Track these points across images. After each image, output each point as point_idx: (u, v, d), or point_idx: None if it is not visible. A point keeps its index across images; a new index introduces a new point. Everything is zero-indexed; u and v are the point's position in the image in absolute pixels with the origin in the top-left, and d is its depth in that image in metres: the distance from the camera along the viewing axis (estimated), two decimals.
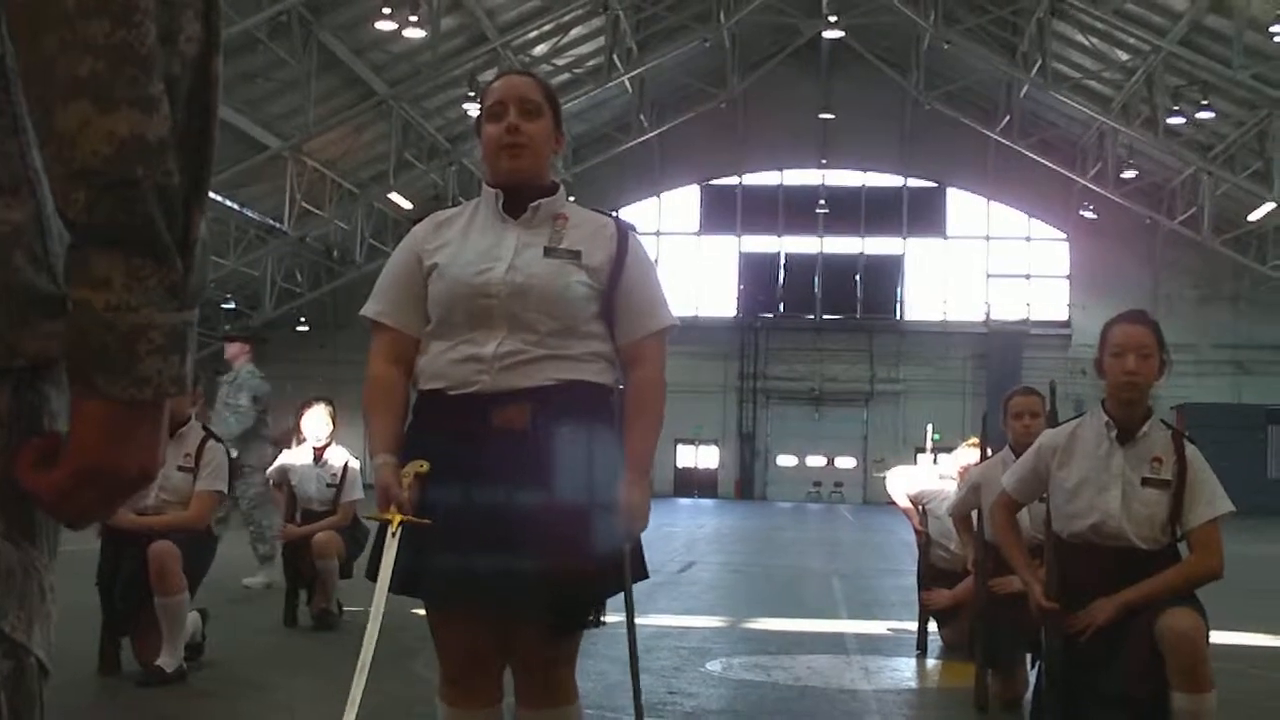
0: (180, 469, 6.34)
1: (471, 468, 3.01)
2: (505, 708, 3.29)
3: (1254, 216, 35.14)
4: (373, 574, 3.07)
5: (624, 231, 3.23)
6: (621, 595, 3.15)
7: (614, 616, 3.22)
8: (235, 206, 33.68)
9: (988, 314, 45.31)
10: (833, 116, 42.38)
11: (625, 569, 3.08)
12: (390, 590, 3.04)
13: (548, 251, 3.11)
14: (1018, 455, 5.68)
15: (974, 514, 6.35)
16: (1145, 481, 4.30)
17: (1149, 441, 4.36)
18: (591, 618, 3.09)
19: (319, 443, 8.49)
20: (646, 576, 3.20)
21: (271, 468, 8.73)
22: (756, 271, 46.49)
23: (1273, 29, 27.48)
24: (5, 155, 1.11)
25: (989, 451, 6.69)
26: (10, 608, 1.09)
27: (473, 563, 2.96)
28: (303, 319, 43.81)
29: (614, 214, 3.34)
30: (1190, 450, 4.36)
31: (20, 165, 1.12)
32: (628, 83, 37.73)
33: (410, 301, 3.18)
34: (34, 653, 1.11)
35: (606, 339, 3.16)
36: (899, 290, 46.34)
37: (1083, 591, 4.30)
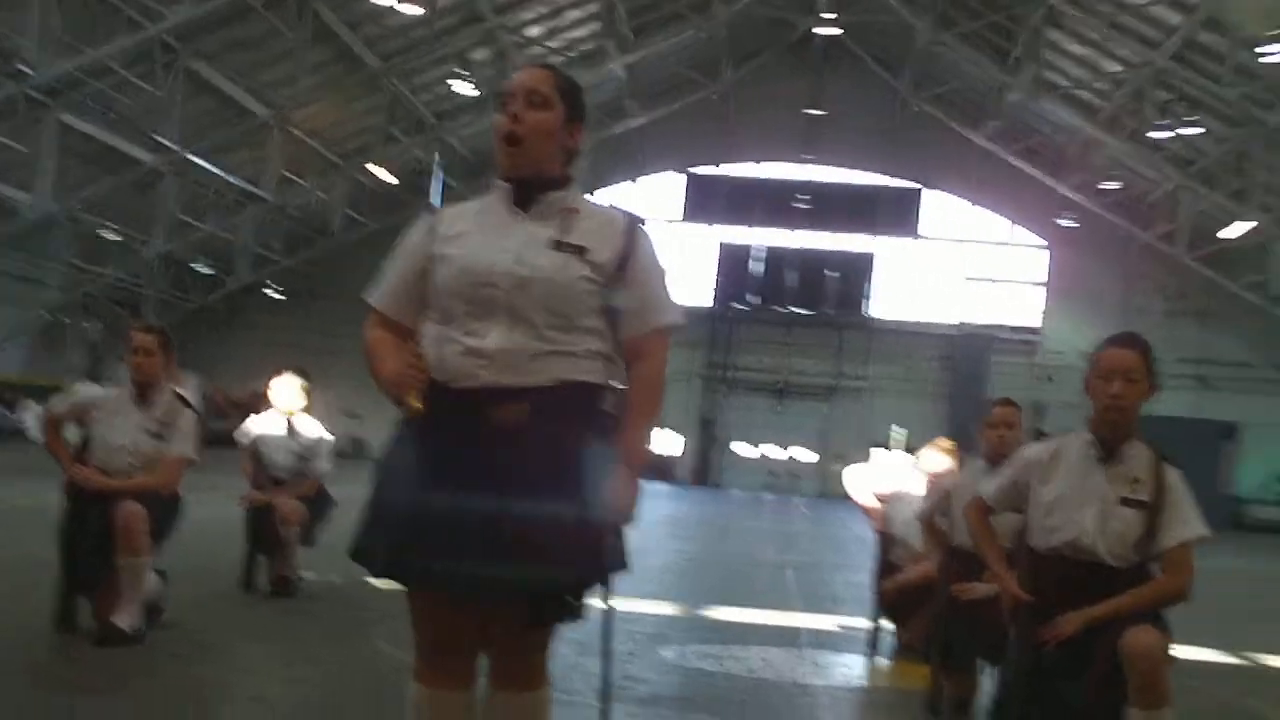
0: (149, 433, 6.30)
1: (466, 462, 3.02)
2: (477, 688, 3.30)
3: (1225, 234, 35.15)
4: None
5: (633, 227, 3.21)
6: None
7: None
8: (218, 171, 33.40)
9: (960, 317, 45.31)
10: (822, 113, 42.26)
11: (604, 560, 3.08)
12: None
13: (554, 245, 3.10)
14: (991, 465, 5.76)
15: (940, 519, 6.39)
16: (1124, 501, 4.31)
17: (1131, 462, 4.38)
18: (573, 605, 3.09)
19: (286, 411, 8.49)
20: (626, 568, 3.17)
21: (240, 433, 8.67)
22: (734, 263, 46.39)
23: (1259, 50, 27.52)
24: None
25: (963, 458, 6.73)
26: None
27: (460, 552, 2.96)
28: (277, 285, 43.47)
29: (615, 207, 3.31)
30: (1171, 473, 4.38)
31: None
32: (620, 68, 37.62)
33: (411, 298, 3.19)
34: None
35: (607, 336, 3.14)
36: (867, 288, 46.28)
37: (1050, 603, 4.33)
